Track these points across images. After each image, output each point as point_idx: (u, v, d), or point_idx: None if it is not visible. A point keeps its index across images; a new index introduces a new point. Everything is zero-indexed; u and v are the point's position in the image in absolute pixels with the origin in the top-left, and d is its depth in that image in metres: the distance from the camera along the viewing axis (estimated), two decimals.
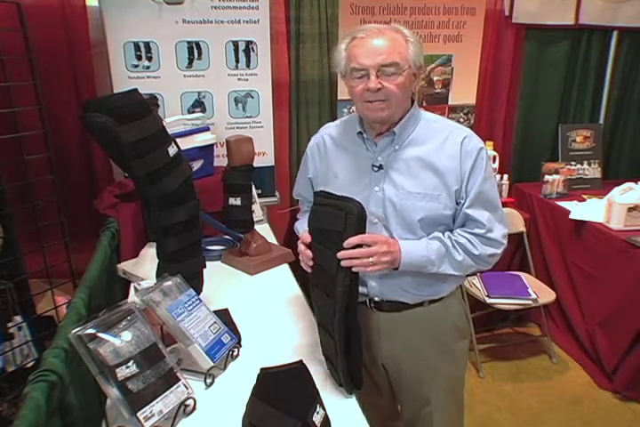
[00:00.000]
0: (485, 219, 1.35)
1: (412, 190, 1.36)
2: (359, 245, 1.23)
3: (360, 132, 1.42)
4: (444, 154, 1.35)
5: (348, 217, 1.21)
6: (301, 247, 1.35)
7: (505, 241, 1.39)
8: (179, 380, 1.23)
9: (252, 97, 2.49)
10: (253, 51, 2.42)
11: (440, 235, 1.36)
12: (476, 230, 1.35)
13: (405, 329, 1.49)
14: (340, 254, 1.21)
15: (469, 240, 1.35)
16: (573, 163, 3.20)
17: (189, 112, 2.41)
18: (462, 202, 1.36)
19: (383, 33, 1.29)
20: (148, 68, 2.31)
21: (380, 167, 1.39)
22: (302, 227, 1.53)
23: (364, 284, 1.44)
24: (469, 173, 1.34)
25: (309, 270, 1.35)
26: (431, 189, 1.35)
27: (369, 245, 1.25)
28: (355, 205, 1.21)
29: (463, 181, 1.35)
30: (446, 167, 1.34)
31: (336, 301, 1.24)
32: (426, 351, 1.51)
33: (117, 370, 1.12)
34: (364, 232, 1.24)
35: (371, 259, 1.24)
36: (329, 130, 1.54)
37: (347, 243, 1.21)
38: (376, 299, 1.47)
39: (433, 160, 1.35)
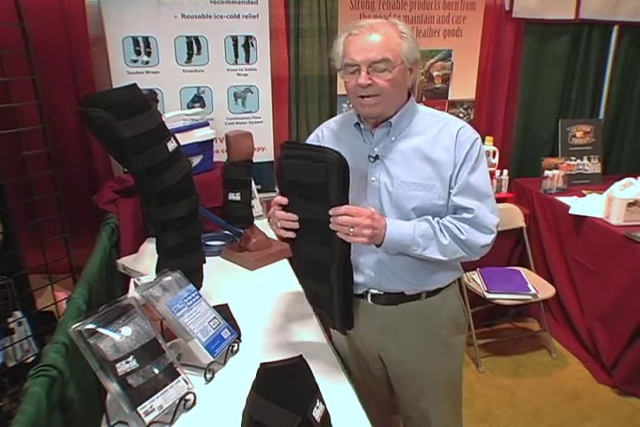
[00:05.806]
0: (475, 206, 1.35)
1: (407, 180, 1.37)
2: None
3: (357, 123, 1.44)
4: (439, 145, 1.37)
5: (329, 169, 1.21)
6: (281, 213, 1.32)
7: (495, 230, 1.39)
8: (179, 375, 1.24)
9: (252, 92, 2.49)
10: (253, 46, 2.41)
11: (429, 217, 1.37)
12: (465, 215, 1.36)
13: (403, 322, 1.50)
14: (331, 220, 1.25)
15: (456, 226, 1.36)
16: (573, 158, 3.19)
17: (189, 107, 2.40)
18: (452, 191, 1.37)
19: (377, 29, 1.31)
20: (147, 63, 2.30)
21: (377, 158, 1.41)
22: None
23: (361, 272, 1.45)
24: (461, 163, 1.36)
25: (289, 233, 1.33)
26: (426, 179, 1.37)
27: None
28: (332, 155, 1.22)
29: (455, 170, 1.36)
30: (441, 158, 1.36)
31: (334, 246, 1.28)
32: (423, 344, 1.52)
33: (117, 365, 1.12)
34: (347, 182, 1.25)
35: (352, 229, 1.25)
36: (329, 124, 1.57)
37: (332, 211, 1.24)
38: (374, 291, 1.48)
39: (428, 151, 1.37)
